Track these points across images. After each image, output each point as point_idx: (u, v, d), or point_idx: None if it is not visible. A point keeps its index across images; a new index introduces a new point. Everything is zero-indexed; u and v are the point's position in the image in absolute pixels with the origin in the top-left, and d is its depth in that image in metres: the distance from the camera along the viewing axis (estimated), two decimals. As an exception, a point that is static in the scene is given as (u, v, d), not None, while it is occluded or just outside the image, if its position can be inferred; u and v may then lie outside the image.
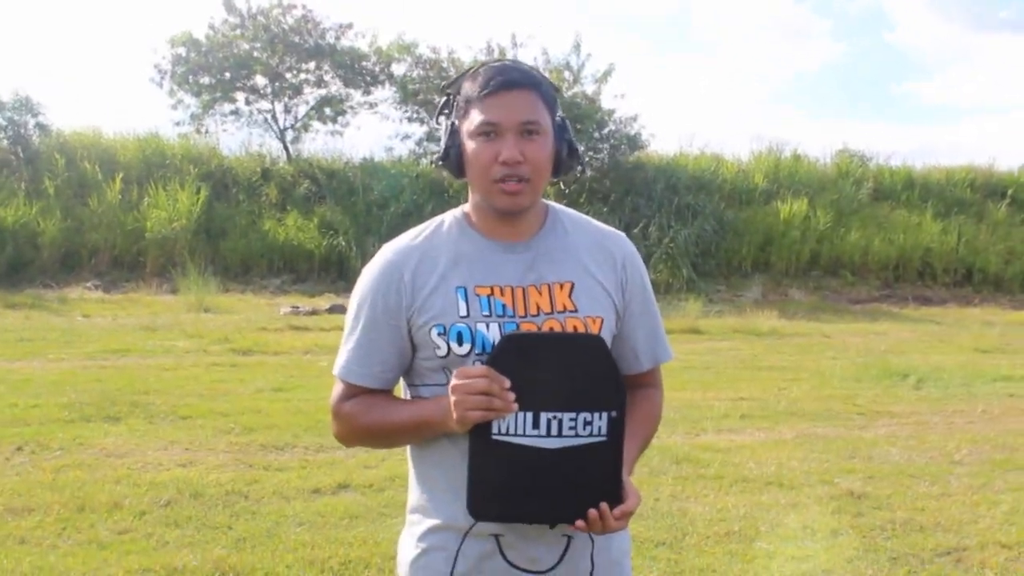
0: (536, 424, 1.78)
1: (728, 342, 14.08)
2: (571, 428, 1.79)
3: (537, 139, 1.86)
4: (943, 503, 5.97)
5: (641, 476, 6.22)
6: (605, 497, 1.80)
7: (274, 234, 19.63)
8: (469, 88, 1.89)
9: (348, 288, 18.09)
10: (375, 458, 6.52)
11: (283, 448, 6.87)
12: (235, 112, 23.45)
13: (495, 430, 1.77)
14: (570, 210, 2.08)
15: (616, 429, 1.80)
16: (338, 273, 19.48)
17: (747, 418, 8.44)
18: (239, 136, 32.35)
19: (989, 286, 22.93)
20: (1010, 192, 25.37)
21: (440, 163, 1.96)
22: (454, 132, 1.92)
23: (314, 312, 14.86)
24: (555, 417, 1.78)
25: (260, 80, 23.27)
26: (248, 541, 4.92)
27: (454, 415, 1.76)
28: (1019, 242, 23.71)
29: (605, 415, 1.79)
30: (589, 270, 1.97)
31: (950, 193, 25.23)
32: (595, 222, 2.09)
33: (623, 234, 2.11)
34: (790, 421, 8.39)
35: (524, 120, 1.84)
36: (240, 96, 23.37)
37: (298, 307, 15.21)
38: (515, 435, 1.78)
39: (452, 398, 1.76)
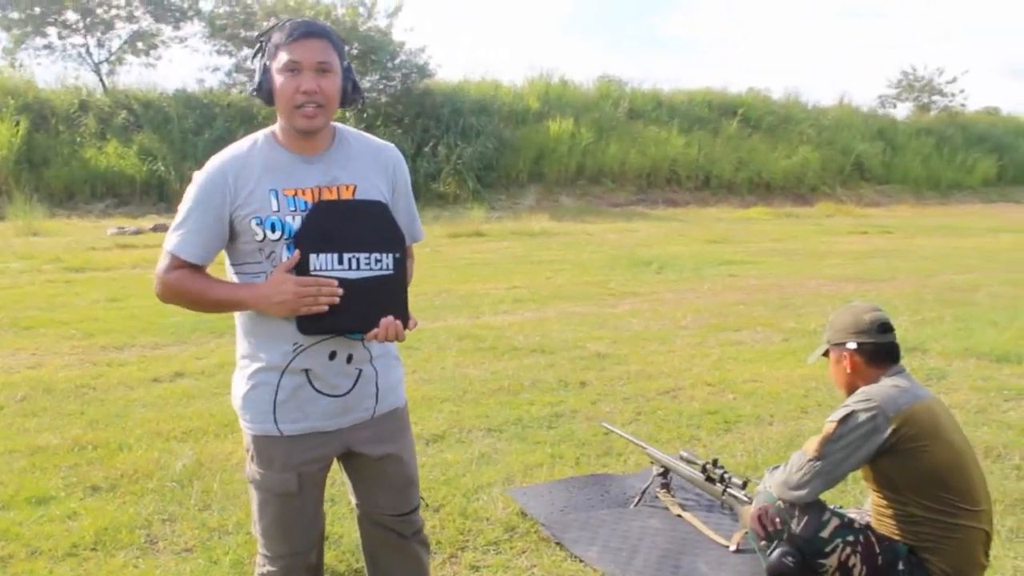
0: (341, 261, 2.20)
1: (506, 242, 14.71)
2: (367, 264, 2.22)
3: (329, 76, 2.24)
4: (668, 357, 6.73)
5: (430, 351, 6.77)
6: (393, 313, 2.25)
7: (95, 162, 18.95)
8: (278, 37, 2.24)
9: (169, 209, 17.83)
10: (205, 351, 6.80)
11: (122, 348, 6.98)
12: (48, 46, 22.30)
13: (312, 267, 2.18)
14: (352, 128, 2.48)
15: (399, 266, 2.27)
16: (159, 196, 19.00)
17: (519, 302, 9.07)
18: (54, 69, 30.41)
19: (723, 189, 24.52)
20: (740, 111, 27.06)
21: (255, 94, 2.33)
22: (266, 71, 2.27)
23: (139, 232, 14.58)
24: (354, 256, 2.21)
25: (71, 16, 22.08)
26: (100, 422, 5.11)
27: (287, 307, 2.16)
28: (747, 153, 25.39)
29: (391, 255, 2.25)
30: (367, 174, 2.37)
31: (692, 112, 26.66)
32: (371, 137, 2.49)
33: (393, 145, 2.52)
34: (554, 303, 9.07)
35: (319, 60, 2.22)
36: (52, 31, 22.19)
37: (124, 228, 14.87)
38: (327, 270, 2.19)
39: (291, 295, 2.15)
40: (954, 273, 11.50)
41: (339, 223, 2.21)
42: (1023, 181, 30.18)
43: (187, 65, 42.55)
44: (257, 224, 2.22)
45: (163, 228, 14.74)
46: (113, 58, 22.90)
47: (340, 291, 2.18)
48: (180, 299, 2.32)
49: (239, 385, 2.39)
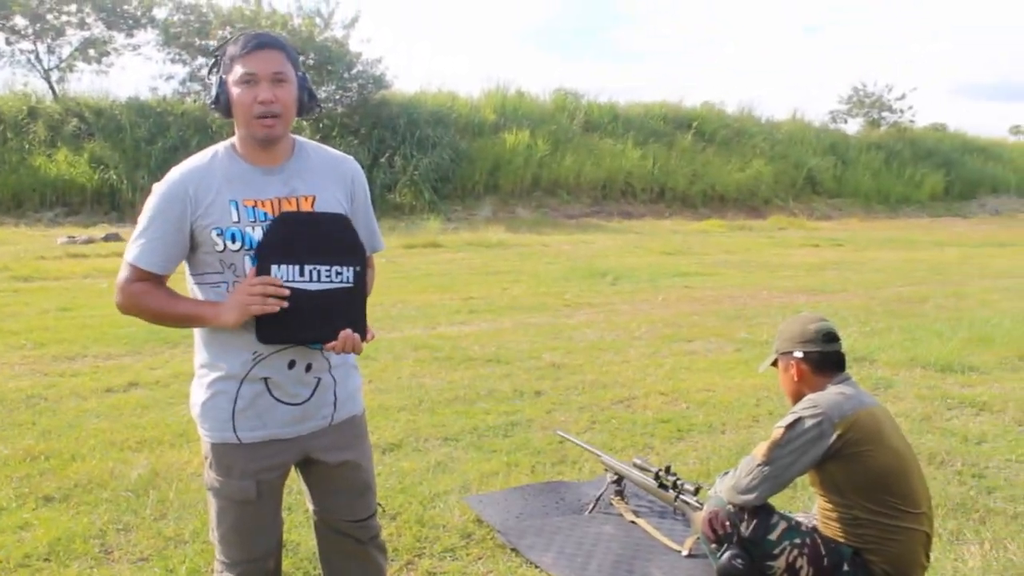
0: (302, 273, 2.23)
1: (463, 253, 14.76)
2: (327, 276, 2.26)
3: (285, 86, 2.28)
4: (622, 367, 6.81)
5: (386, 362, 6.79)
6: (352, 326, 2.28)
7: (45, 170, 18.68)
8: (233, 50, 2.27)
9: (121, 219, 17.63)
10: (160, 361, 6.76)
11: (74, 358, 6.91)
12: (-6, 52, 21.95)
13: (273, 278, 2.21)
14: (310, 141, 2.51)
15: (359, 279, 2.30)
16: (111, 205, 18.77)
17: (475, 312, 9.12)
18: (2, 75, 29.94)
19: (678, 202, 24.77)
20: (695, 124, 27.40)
21: (212, 108, 2.36)
22: (222, 83, 2.30)
23: (90, 241, 14.38)
24: (315, 268, 2.24)
25: (20, 21, 21.77)
26: (53, 433, 5.05)
27: (238, 309, 2.18)
28: (701, 165, 25.69)
29: (351, 268, 2.28)
30: (327, 186, 2.39)
31: (647, 124, 26.92)
32: (330, 149, 2.53)
33: (352, 157, 2.56)
34: (510, 313, 9.13)
35: (275, 71, 2.25)
36: (0, 36, 21.85)
37: (74, 237, 14.67)
38: (288, 281, 2.22)
39: (241, 294, 2.18)
40: (902, 286, 11.75)
41: (301, 235, 2.23)
42: (969, 196, 30.87)
43: (140, 73, 42.15)
44: (218, 235, 2.24)
45: (115, 237, 14.62)
46: (64, 65, 22.66)
47: (286, 292, 2.20)
48: (140, 311, 2.34)
49: (197, 394, 2.40)
